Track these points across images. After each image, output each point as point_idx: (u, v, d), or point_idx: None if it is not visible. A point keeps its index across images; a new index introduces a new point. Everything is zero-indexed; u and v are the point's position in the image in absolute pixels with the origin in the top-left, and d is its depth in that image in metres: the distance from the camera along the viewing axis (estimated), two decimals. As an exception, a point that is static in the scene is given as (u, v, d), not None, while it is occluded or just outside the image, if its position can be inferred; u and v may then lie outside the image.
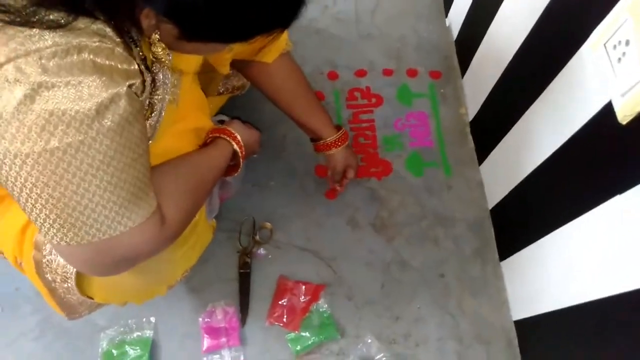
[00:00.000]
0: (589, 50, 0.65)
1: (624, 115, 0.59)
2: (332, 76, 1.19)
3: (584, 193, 0.69)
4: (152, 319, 0.94)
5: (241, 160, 0.76)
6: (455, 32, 1.21)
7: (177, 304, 0.96)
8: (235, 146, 0.74)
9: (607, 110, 0.62)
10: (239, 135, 0.75)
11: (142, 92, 0.52)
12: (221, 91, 1.02)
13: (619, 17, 0.58)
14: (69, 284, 0.65)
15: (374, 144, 1.12)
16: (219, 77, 0.96)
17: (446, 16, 1.26)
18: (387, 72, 1.20)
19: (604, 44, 0.61)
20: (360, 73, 1.19)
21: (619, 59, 0.58)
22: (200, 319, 0.94)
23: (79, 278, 0.65)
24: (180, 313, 0.95)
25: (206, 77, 0.88)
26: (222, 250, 1.00)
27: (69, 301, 0.71)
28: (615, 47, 0.59)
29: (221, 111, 1.04)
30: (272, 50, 0.83)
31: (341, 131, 0.95)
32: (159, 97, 0.61)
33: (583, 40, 0.66)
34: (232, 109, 0.97)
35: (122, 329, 0.93)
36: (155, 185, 0.54)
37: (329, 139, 0.93)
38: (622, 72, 0.58)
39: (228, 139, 0.74)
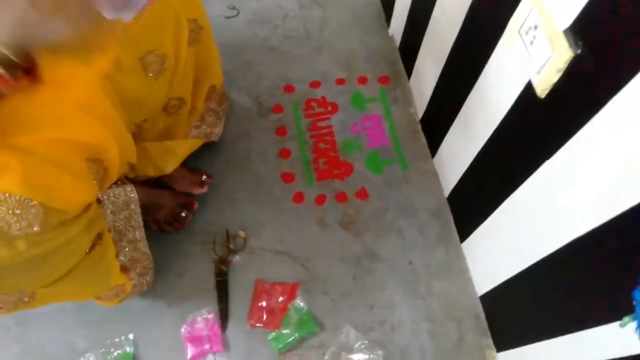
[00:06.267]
0: (507, 37, 0.74)
1: (541, 89, 0.67)
2: (289, 89, 1.26)
3: (521, 164, 0.78)
4: (131, 336, 0.96)
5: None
6: (397, 40, 1.31)
7: (157, 318, 0.98)
8: None
9: (529, 88, 0.71)
10: None
11: None
12: (193, 134, 1.03)
13: (526, 5, 0.67)
14: None
15: (333, 148, 1.19)
16: (183, 119, 0.96)
17: (388, 27, 1.36)
18: (340, 82, 1.28)
19: (518, 31, 0.70)
20: (315, 84, 1.27)
21: (531, 42, 0.68)
22: (183, 330, 0.96)
23: None
24: (161, 326, 0.97)
25: (170, 118, 0.89)
26: (198, 262, 1.04)
27: None
28: (527, 32, 0.68)
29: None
30: None
31: None
32: None
33: (502, 29, 0.75)
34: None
35: (101, 351, 0.94)
36: None
37: None
38: (535, 53, 0.67)
39: None
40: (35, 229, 0.56)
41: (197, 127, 1.05)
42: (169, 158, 0.95)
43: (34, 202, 0.55)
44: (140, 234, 0.89)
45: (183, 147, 0.99)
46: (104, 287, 0.81)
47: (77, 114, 0.59)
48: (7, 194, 0.53)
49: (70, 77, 0.59)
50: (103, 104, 0.63)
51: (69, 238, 0.62)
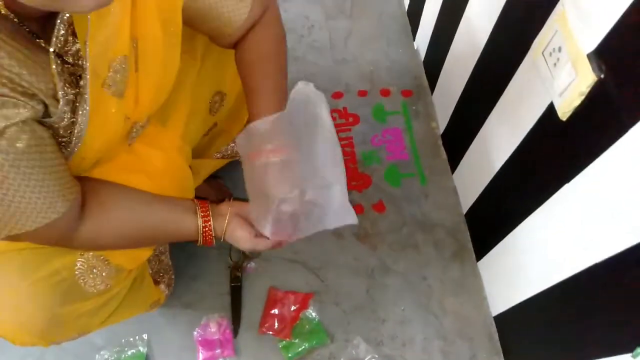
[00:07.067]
0: (531, 58, 0.74)
1: (563, 112, 0.67)
2: (311, 99, 1.27)
3: (541, 185, 0.76)
4: (145, 336, 0.97)
5: (199, 243, 0.66)
6: (422, 53, 1.31)
7: (171, 319, 1.00)
8: (200, 229, 0.64)
9: (550, 110, 0.70)
10: (217, 224, 0.65)
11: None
12: (219, 157, 0.99)
13: (551, 27, 0.67)
14: None
15: (353, 159, 1.19)
16: (220, 141, 0.94)
17: (414, 40, 1.36)
18: (362, 93, 1.28)
19: (542, 52, 0.70)
20: (337, 95, 1.28)
21: (555, 64, 0.67)
22: (195, 333, 0.98)
23: None
24: (175, 328, 0.99)
25: (206, 139, 0.89)
26: (213, 266, 1.05)
27: None
28: (551, 53, 0.68)
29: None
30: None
31: None
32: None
33: (527, 49, 0.74)
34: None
35: (116, 349, 0.96)
36: (102, 201, 0.57)
37: None
38: (558, 75, 0.66)
39: (200, 219, 0.64)
40: (107, 286, 0.64)
41: (225, 149, 1.02)
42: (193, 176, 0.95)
43: (110, 262, 0.63)
44: (163, 247, 0.91)
45: (206, 169, 0.96)
46: (146, 305, 0.87)
47: (161, 180, 0.66)
48: (90, 254, 0.61)
49: (154, 143, 0.67)
50: (180, 170, 0.71)
51: (124, 285, 0.70)
